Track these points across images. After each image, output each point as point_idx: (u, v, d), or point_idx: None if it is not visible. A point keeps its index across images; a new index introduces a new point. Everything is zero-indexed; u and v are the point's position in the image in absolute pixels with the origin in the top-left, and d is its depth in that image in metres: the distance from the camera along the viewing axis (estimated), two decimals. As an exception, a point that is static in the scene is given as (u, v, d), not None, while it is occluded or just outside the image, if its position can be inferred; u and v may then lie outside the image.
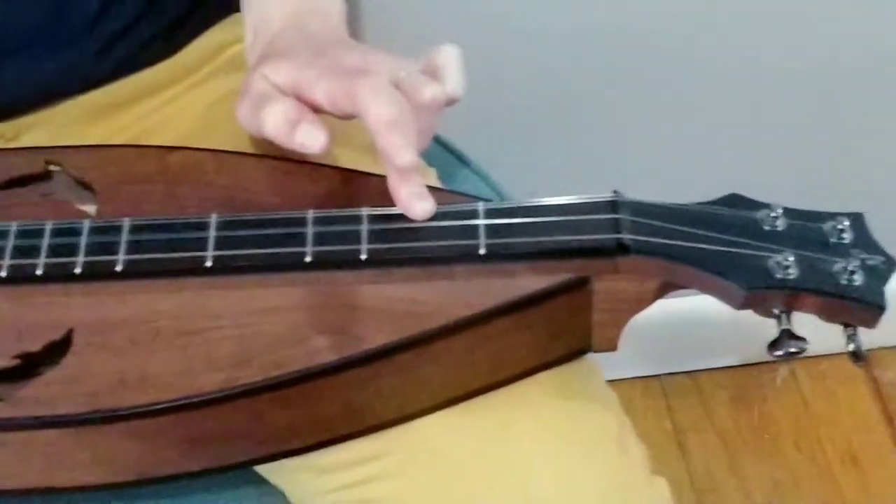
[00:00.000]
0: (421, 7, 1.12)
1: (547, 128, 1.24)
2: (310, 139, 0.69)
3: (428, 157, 1.01)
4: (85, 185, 0.74)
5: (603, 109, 1.23)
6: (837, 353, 1.61)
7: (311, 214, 0.69)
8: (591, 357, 0.74)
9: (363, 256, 0.67)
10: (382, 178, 0.70)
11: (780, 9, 1.17)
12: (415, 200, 0.67)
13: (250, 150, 0.76)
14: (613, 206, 0.68)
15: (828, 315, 0.66)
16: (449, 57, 0.71)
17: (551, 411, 0.71)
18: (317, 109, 0.70)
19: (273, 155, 0.74)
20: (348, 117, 0.70)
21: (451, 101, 0.71)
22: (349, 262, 0.67)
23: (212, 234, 0.68)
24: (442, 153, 1.01)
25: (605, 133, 1.26)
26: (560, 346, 0.71)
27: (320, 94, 0.69)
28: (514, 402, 0.70)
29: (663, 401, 1.55)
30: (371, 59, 0.72)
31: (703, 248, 0.66)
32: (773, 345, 0.66)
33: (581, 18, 1.15)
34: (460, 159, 1.02)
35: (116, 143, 0.82)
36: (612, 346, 0.71)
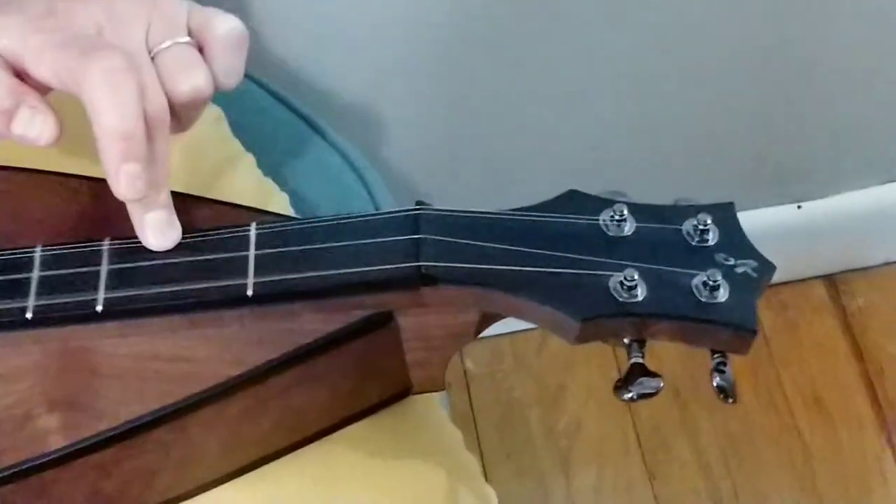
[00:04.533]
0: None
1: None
2: (31, 129, 0.53)
3: (274, 124, 0.87)
4: None
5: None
6: (800, 280, 1.47)
7: (38, 253, 0.55)
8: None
9: (99, 308, 0.53)
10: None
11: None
12: (151, 229, 0.53)
13: None
14: (415, 222, 0.53)
15: (689, 341, 0.53)
16: (230, 35, 0.56)
17: (362, 476, 0.57)
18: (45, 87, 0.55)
19: (13, 167, 0.60)
20: None
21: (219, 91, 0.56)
22: (82, 316, 0.53)
23: None
24: (291, 120, 0.87)
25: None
26: (368, 394, 0.57)
27: (45, 70, 0.53)
28: (315, 466, 0.57)
29: (608, 348, 1.41)
30: (117, 18, 0.56)
31: (525, 271, 0.52)
32: (622, 384, 0.52)
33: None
34: (314, 127, 0.87)
35: None
36: (438, 386, 0.58)
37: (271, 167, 0.78)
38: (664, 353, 1.40)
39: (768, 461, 1.31)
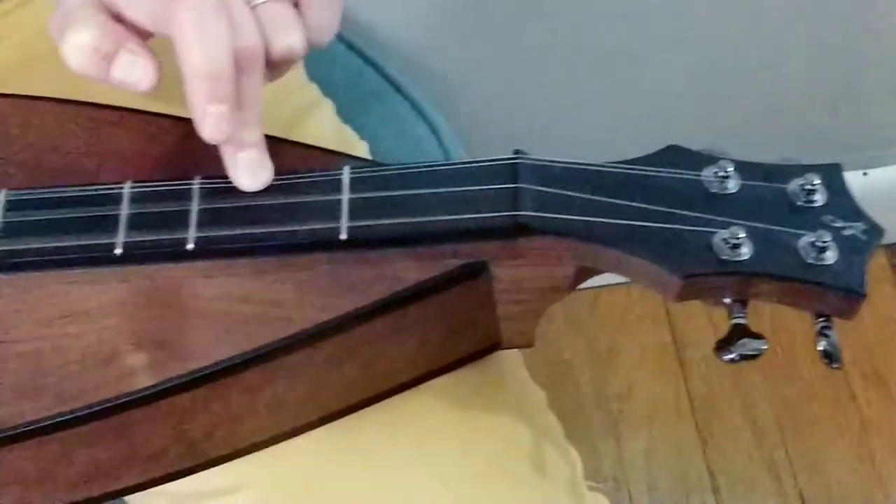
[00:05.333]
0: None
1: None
2: (131, 75, 0.52)
3: (346, 73, 0.85)
4: None
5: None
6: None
7: (127, 189, 0.54)
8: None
9: (189, 245, 0.52)
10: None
11: None
12: (243, 169, 0.52)
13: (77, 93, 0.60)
14: (513, 171, 0.52)
15: (793, 303, 0.51)
16: None
17: (446, 429, 0.56)
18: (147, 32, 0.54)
19: (99, 103, 0.59)
20: None
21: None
22: (172, 254, 0.52)
23: None
24: (362, 69, 0.85)
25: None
26: (457, 347, 0.56)
27: (138, 11, 0.52)
28: (401, 416, 0.56)
29: (662, 309, 1.39)
30: None
31: (627, 225, 0.51)
32: (723, 345, 0.51)
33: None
34: (386, 78, 0.86)
35: None
36: (527, 342, 0.57)
37: (345, 116, 0.77)
38: (719, 319, 1.39)
39: (824, 430, 1.29)
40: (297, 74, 0.73)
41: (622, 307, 1.39)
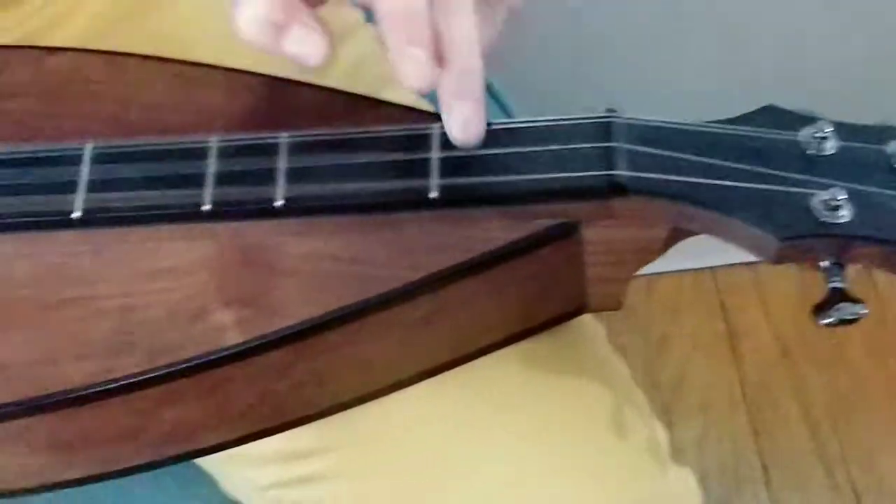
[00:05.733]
0: None
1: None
2: (303, 48, 0.50)
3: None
4: None
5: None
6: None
7: (214, 143, 0.53)
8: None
9: (278, 203, 0.51)
10: (322, 89, 0.54)
11: None
12: (454, 121, 0.50)
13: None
14: (606, 130, 0.51)
15: (893, 268, 0.50)
16: None
17: (529, 390, 0.56)
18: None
19: (184, 60, 0.59)
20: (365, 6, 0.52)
21: None
22: (261, 211, 0.52)
23: (84, 171, 0.53)
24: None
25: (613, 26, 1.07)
26: (544, 309, 0.55)
27: None
28: (483, 378, 0.56)
29: (716, 297, 1.38)
30: None
31: (724, 186, 0.50)
32: (820, 308, 0.50)
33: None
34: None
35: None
36: (615, 305, 0.56)
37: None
38: (775, 309, 1.37)
39: (878, 423, 1.28)
40: (378, 47, 0.72)
41: (676, 294, 1.38)
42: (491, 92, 0.84)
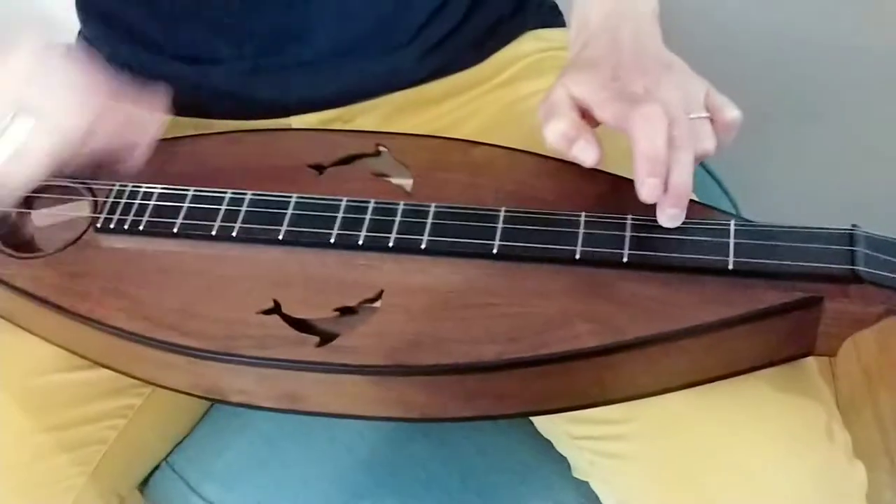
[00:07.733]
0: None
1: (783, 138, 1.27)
2: (584, 155, 0.80)
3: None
4: (404, 165, 0.89)
5: (844, 119, 1.24)
6: None
7: (583, 217, 0.80)
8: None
9: (625, 259, 0.78)
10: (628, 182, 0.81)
11: None
12: (666, 217, 0.79)
13: (535, 146, 0.88)
14: (851, 238, 0.77)
15: None
16: (734, 122, 0.81)
17: (771, 402, 0.81)
18: (596, 122, 0.81)
19: (552, 156, 0.86)
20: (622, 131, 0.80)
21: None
22: (612, 263, 0.78)
23: (500, 225, 0.80)
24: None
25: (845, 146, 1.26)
26: (786, 350, 0.81)
27: (607, 115, 0.80)
28: (740, 391, 0.81)
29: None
30: (656, 86, 0.80)
31: None
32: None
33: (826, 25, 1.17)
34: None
35: (429, 134, 0.95)
36: (832, 353, 0.81)
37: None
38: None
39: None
40: None
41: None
42: (717, 180, 1.13)
